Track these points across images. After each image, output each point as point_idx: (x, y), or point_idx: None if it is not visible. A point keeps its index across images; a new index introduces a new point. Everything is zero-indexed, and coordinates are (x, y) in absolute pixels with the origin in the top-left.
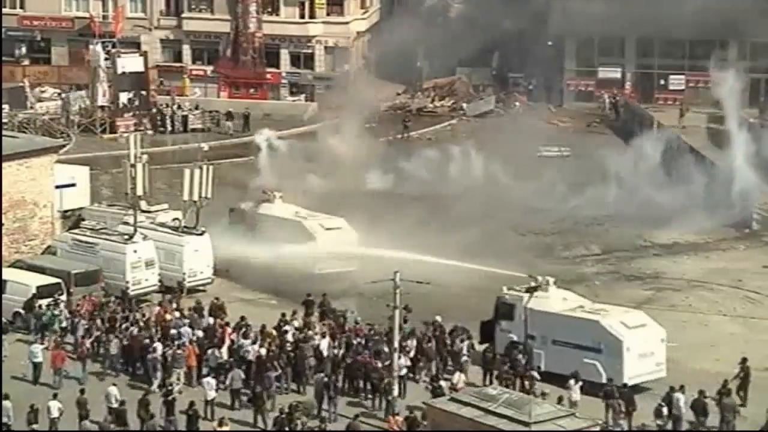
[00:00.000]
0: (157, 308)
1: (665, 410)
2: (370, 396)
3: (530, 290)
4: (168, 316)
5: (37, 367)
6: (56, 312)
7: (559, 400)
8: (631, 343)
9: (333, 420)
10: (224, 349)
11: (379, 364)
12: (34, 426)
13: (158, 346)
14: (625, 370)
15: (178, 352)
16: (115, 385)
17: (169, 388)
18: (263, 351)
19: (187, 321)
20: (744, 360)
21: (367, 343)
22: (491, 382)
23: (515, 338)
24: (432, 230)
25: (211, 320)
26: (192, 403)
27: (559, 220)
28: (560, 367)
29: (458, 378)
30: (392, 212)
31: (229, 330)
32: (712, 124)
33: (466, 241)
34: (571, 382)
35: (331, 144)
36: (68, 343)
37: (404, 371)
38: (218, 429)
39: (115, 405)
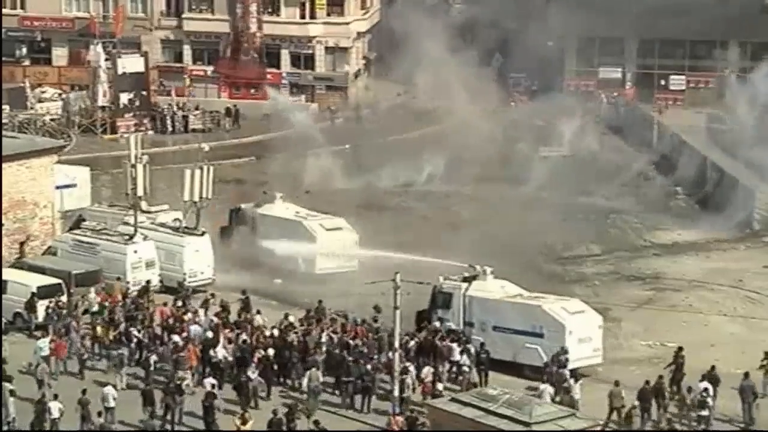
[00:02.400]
0: (163, 307)
1: (710, 400)
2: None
3: (468, 279)
4: (186, 317)
5: (43, 361)
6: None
7: (557, 392)
8: (572, 327)
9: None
10: (219, 348)
11: (369, 367)
12: (48, 415)
13: (176, 338)
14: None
15: (181, 355)
16: (111, 385)
17: (178, 383)
18: (270, 351)
19: (200, 319)
20: (680, 349)
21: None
22: (486, 383)
23: (452, 326)
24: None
25: (215, 319)
26: (209, 395)
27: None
28: (501, 353)
29: (426, 372)
30: (393, 210)
31: (226, 329)
32: (713, 124)
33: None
34: (572, 380)
35: None
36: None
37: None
38: (241, 428)
39: (112, 405)
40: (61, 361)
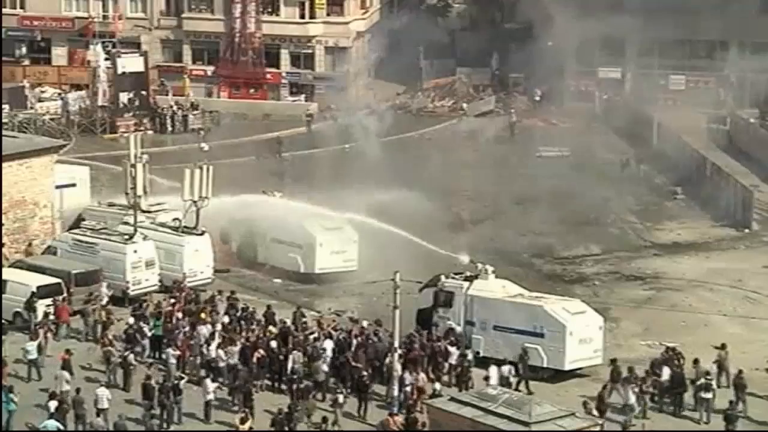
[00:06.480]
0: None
1: (714, 383)
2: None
3: (469, 278)
4: (203, 315)
5: (32, 364)
6: None
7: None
8: (573, 328)
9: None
10: (213, 347)
11: (361, 366)
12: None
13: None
14: (567, 355)
15: (191, 343)
16: (103, 385)
17: (176, 382)
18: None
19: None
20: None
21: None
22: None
23: (453, 325)
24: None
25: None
26: (246, 381)
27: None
28: (501, 352)
29: (421, 378)
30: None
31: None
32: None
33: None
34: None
35: None
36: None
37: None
38: (240, 427)
39: (106, 406)
40: (64, 324)
